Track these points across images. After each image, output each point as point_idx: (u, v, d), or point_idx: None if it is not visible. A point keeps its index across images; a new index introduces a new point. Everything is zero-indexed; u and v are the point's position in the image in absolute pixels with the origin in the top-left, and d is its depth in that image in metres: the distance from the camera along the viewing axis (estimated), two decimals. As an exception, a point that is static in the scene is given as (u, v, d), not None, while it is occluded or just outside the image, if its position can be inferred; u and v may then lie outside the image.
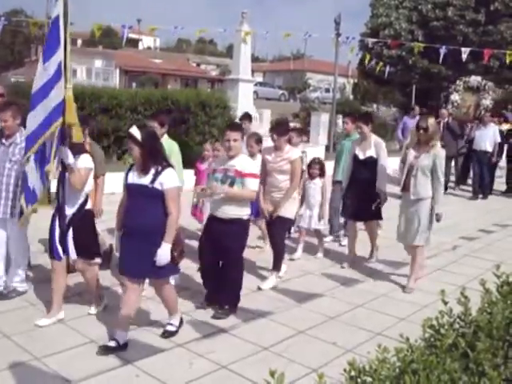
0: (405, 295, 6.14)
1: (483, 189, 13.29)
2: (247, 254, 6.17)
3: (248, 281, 5.98)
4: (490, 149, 13.00)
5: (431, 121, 6.15)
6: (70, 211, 4.89)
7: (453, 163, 13.76)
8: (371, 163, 6.93)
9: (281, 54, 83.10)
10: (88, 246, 5.01)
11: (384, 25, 26.87)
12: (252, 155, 6.58)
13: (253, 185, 5.23)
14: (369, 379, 1.91)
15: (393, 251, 7.52)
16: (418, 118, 14.68)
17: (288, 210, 6.19)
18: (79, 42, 66.45)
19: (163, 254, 4.36)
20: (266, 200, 6.25)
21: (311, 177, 7.52)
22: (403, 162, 6.40)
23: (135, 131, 4.37)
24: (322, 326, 5.15)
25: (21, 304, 5.32)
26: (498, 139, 13.06)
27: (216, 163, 5.58)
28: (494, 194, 13.84)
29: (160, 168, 4.39)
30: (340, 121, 22.88)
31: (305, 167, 7.57)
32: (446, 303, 2.31)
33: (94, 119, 9.81)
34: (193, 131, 12.55)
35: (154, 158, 4.40)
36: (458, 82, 15.99)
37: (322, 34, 42.60)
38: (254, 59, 37.42)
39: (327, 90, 41.59)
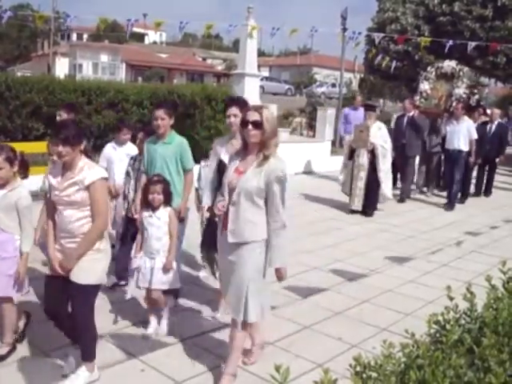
0: (408, 290, 6.11)
1: (450, 196, 11.21)
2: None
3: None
4: (464, 147, 10.96)
5: (267, 114, 3.68)
6: None
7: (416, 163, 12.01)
8: None
9: (287, 48, 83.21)
10: None
11: (391, 19, 26.75)
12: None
13: None
14: (374, 374, 1.92)
15: (399, 245, 7.53)
16: (361, 109, 12.55)
17: (88, 272, 3.78)
18: (85, 36, 66.69)
19: None
20: (56, 251, 3.88)
21: (151, 206, 4.68)
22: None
23: None
24: (327, 321, 5.16)
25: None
26: (474, 136, 11.07)
27: None
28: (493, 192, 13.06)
29: None
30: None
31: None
32: (451, 299, 2.32)
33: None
34: (199, 126, 12.55)
35: None
36: (429, 68, 13.97)
37: (328, 29, 42.53)
38: (260, 54, 37.31)
39: (333, 85, 41.57)
